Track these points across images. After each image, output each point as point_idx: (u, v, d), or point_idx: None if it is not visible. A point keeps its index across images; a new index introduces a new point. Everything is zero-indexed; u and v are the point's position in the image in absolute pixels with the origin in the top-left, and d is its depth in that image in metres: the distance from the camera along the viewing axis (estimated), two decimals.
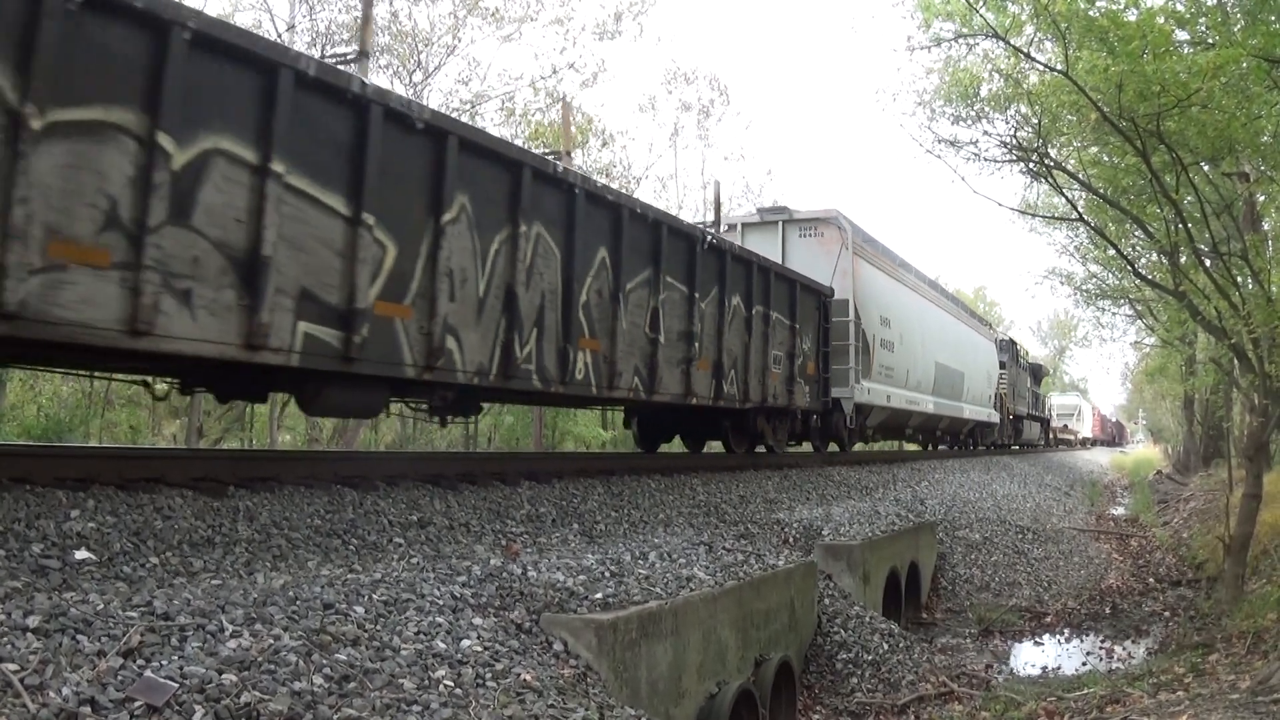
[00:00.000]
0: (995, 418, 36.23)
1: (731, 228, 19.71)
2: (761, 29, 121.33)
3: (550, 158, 10.98)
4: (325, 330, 7.66)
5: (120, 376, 9.26)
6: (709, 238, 13.55)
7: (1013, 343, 43.13)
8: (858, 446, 23.98)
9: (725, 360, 13.91)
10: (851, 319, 19.32)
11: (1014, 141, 17.33)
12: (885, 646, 10.25)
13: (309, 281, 7.50)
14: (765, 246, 18.68)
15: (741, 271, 14.55)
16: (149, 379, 9.27)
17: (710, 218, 19.17)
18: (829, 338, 18.32)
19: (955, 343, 29.43)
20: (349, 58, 9.97)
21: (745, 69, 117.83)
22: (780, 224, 20.24)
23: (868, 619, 10.66)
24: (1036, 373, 50.77)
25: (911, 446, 33.14)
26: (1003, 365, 38.08)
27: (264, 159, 7.07)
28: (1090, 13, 11.92)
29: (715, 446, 18.51)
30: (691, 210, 36.06)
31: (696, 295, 13.02)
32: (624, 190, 17.35)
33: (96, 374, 9.91)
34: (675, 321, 12.65)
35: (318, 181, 7.56)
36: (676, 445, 18.29)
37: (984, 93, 16.44)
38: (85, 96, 6.01)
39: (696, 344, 13.01)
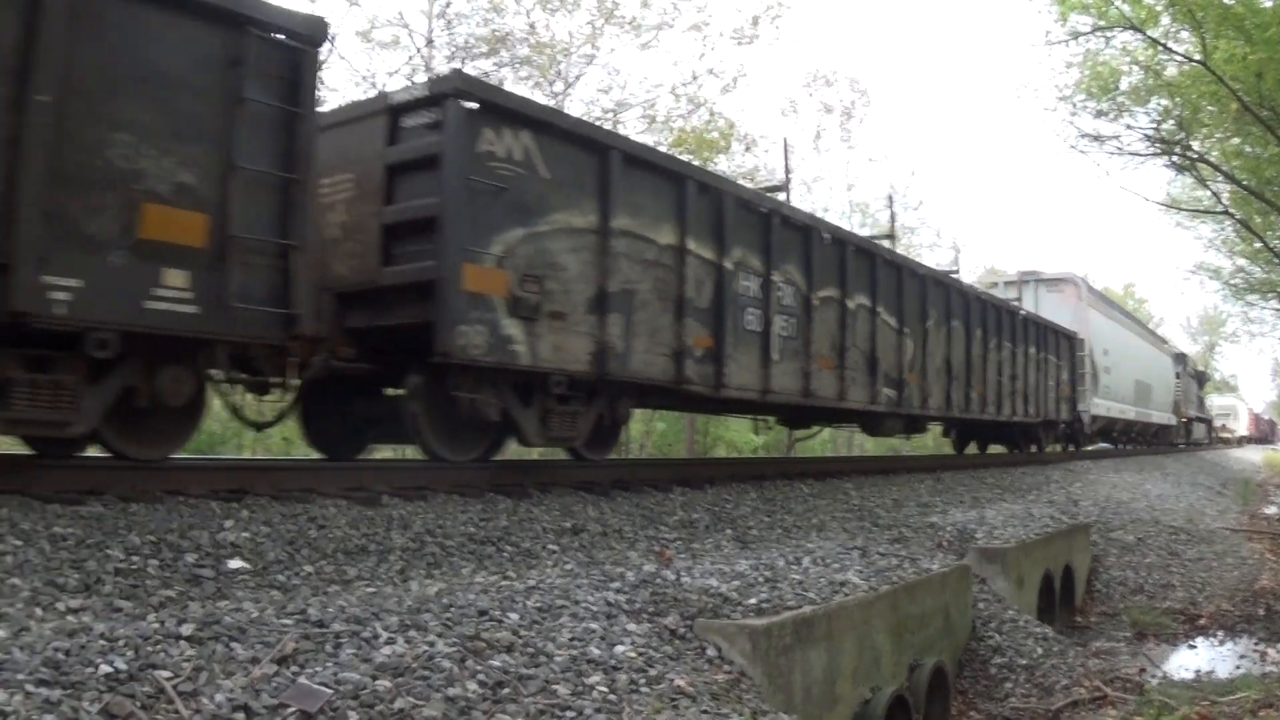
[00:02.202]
0: (1173, 420, 43.85)
1: (994, 285, 27.07)
2: (895, 27, 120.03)
3: (955, 274, 18.83)
4: (891, 391, 14.21)
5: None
6: (1021, 313, 21.08)
7: (1183, 355, 52.00)
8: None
9: (1029, 391, 21.10)
10: (1087, 354, 26.92)
11: (1157, 134, 16.87)
12: (1039, 650, 9.93)
13: (886, 366, 14.06)
14: (1023, 299, 26.01)
15: (1034, 329, 21.91)
16: (768, 418, 15.46)
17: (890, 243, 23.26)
18: (1075, 368, 25.78)
19: (1145, 361, 37.75)
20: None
21: (882, 68, 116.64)
22: (1033, 283, 28.09)
23: (1022, 623, 10.35)
24: (1201, 379, 59.59)
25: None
26: (1177, 376, 45.53)
27: (874, 303, 13.91)
28: (1225, 0, 11.48)
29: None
30: (837, 213, 35.78)
31: (1016, 350, 20.11)
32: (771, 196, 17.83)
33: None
34: (1007, 368, 19.66)
35: (889, 311, 14.13)
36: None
37: (1123, 85, 16.08)
38: (826, 283, 12.62)
39: (1018, 382, 20.17)
